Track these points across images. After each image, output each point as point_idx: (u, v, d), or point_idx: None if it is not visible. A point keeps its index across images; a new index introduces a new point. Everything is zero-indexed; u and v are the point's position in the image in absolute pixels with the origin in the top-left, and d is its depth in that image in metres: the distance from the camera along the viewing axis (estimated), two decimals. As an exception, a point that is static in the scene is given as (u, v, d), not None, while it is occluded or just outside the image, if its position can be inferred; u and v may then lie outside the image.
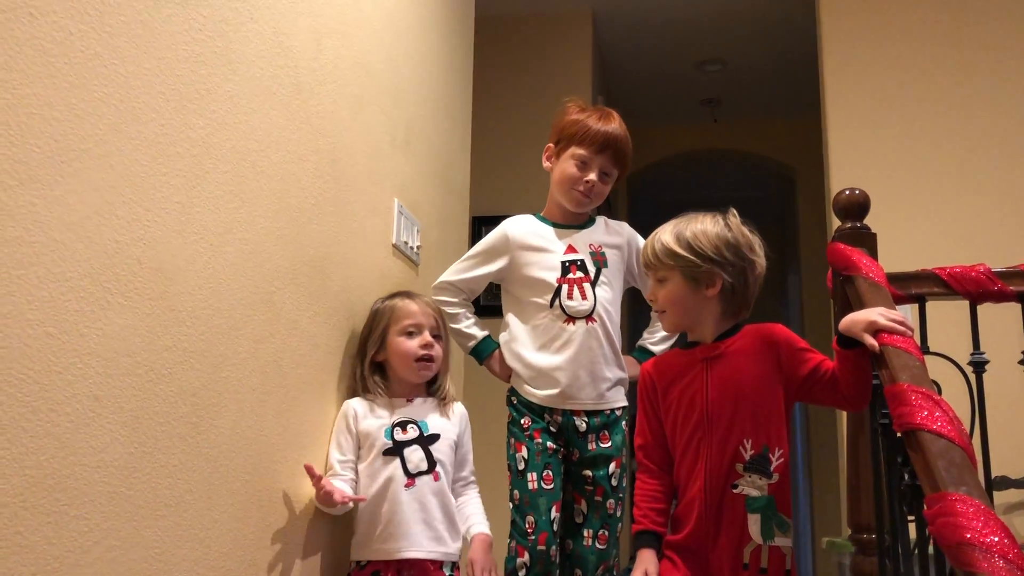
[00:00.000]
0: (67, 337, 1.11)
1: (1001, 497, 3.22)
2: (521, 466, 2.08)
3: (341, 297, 1.97)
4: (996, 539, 1.05)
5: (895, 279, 1.97)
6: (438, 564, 1.84)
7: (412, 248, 2.43)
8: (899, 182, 3.61)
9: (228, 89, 1.49)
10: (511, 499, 2.09)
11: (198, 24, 1.40)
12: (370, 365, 1.98)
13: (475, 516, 1.97)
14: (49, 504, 1.07)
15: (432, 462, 1.88)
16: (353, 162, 2.04)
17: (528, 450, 2.09)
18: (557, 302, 2.12)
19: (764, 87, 5.42)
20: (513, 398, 2.18)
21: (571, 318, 2.12)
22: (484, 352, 2.22)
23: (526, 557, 2.01)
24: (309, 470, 1.71)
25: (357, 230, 2.07)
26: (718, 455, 1.63)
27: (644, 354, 2.24)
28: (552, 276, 2.14)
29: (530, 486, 2.05)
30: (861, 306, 1.70)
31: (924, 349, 2.00)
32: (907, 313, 3.29)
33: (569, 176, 2.16)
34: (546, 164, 2.25)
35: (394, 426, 1.90)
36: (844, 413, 2.80)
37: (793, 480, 7.25)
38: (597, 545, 2.05)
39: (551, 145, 2.24)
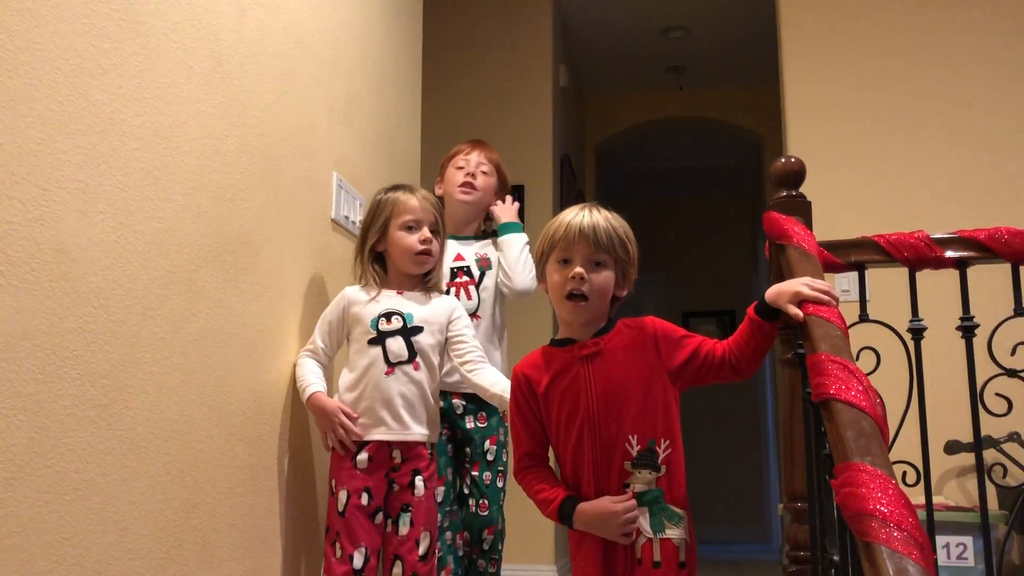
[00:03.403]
0: (-48, 321, 1.08)
1: (955, 461, 3.25)
2: None
3: (274, 274, 1.95)
4: (895, 510, 1.04)
5: (834, 247, 1.95)
6: (419, 444, 1.99)
7: (354, 223, 2.40)
8: (856, 149, 3.60)
9: (137, 63, 1.45)
10: None
11: (99, -4, 1.36)
12: (371, 254, 2.08)
13: (498, 384, 2.02)
14: (-62, 492, 1.05)
15: (412, 352, 2.00)
16: (284, 136, 2.01)
17: None
18: None
19: (729, 55, 5.39)
20: None
21: None
22: None
23: None
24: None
25: (291, 205, 2.04)
26: (606, 454, 1.56)
27: None
28: (443, 282, 2.33)
29: None
30: (791, 275, 1.69)
31: (863, 317, 1.99)
32: (847, 281, 3.29)
33: (452, 179, 2.47)
34: (438, 191, 2.49)
35: (379, 317, 2.01)
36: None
37: (754, 450, 7.27)
38: (480, 513, 2.29)
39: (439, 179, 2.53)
